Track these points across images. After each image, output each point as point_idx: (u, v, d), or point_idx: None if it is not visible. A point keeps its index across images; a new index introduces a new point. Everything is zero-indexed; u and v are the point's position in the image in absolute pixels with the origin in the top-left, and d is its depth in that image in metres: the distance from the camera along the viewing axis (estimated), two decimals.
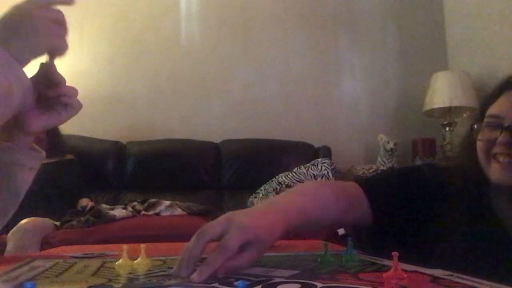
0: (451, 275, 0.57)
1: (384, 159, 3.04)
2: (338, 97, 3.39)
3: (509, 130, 0.77)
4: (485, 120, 0.83)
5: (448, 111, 3.05)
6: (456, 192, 0.85)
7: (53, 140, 2.52)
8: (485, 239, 0.80)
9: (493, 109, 0.83)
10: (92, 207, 2.31)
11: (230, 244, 0.58)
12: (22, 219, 2.05)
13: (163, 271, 0.65)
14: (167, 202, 2.52)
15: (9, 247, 1.95)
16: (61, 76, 0.75)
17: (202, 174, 2.96)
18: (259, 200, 2.64)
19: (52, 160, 2.52)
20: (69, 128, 2.77)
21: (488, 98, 0.86)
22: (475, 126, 0.85)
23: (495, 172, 0.80)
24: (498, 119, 0.81)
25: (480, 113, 0.87)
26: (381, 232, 0.86)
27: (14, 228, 2.00)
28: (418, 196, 0.88)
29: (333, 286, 0.52)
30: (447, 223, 0.84)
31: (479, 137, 0.84)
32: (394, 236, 0.87)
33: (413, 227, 0.86)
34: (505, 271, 0.58)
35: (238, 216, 0.62)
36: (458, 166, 0.87)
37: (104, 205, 2.43)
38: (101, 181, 2.84)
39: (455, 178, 0.87)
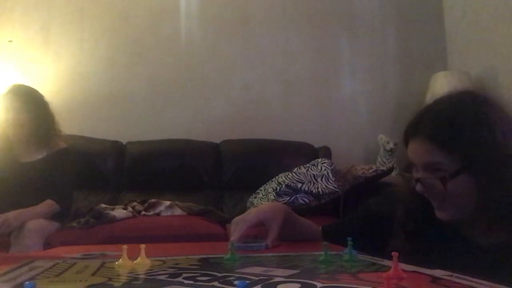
0: (451, 275, 0.58)
1: (384, 159, 3.04)
2: (338, 97, 3.39)
3: (419, 182, 0.85)
4: (408, 167, 0.90)
5: None
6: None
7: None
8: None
9: (409, 156, 0.89)
10: (92, 208, 2.31)
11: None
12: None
13: (163, 270, 0.65)
14: (167, 202, 2.51)
15: (12, 247, 1.95)
16: None
17: (202, 174, 2.95)
18: (259, 200, 2.64)
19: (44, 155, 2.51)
20: (69, 128, 2.78)
21: (404, 143, 0.92)
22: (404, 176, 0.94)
23: (436, 213, 0.86)
24: (413, 168, 0.88)
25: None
26: None
27: (17, 229, 2.00)
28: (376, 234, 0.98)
29: (333, 286, 0.52)
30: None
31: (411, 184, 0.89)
32: None
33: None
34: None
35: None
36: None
37: (104, 206, 2.43)
38: (100, 181, 2.83)
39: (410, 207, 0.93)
